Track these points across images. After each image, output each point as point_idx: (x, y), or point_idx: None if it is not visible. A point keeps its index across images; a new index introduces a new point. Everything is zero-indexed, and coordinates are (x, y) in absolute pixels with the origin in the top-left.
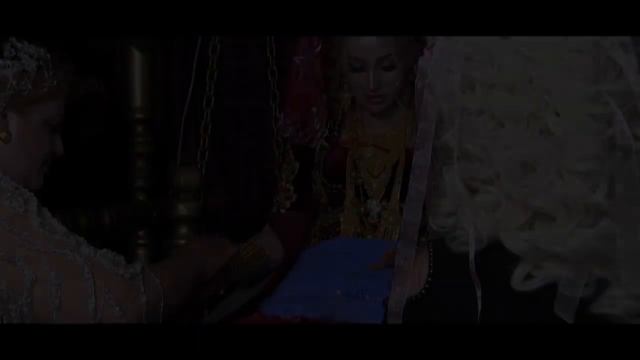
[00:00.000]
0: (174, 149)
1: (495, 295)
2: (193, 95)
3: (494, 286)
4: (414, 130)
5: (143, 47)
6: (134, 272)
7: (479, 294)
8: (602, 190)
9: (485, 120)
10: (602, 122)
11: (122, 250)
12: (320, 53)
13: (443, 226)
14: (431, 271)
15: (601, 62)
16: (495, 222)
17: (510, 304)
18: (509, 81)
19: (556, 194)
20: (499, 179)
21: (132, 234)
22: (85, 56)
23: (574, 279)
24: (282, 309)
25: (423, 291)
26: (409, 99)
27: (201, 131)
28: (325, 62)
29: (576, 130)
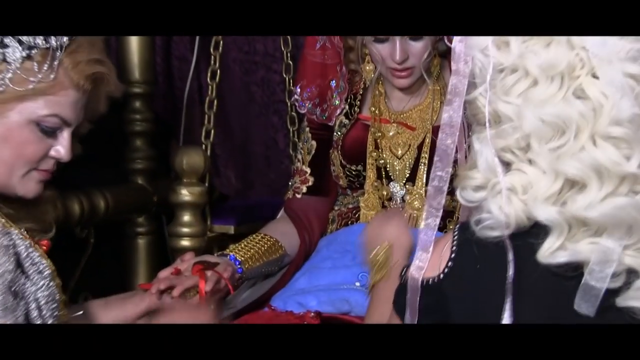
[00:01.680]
0: (176, 127)
1: (522, 280)
2: (197, 67)
3: (520, 271)
4: (443, 107)
5: None
6: None
7: (510, 274)
8: (636, 158)
9: (519, 78)
10: None
11: (121, 240)
12: None
13: (471, 200)
14: (452, 255)
15: None
16: (524, 205)
17: (536, 289)
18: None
19: (588, 159)
20: (530, 145)
21: (130, 221)
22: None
23: (602, 261)
24: (295, 304)
25: (441, 275)
26: (437, 73)
27: (206, 107)
28: None
29: (612, 91)
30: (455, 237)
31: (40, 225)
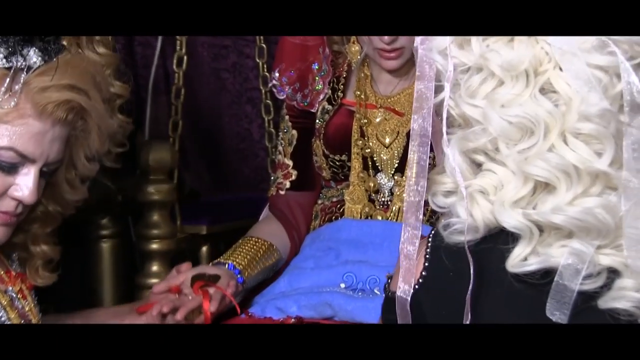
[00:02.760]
0: (140, 120)
1: (491, 287)
2: (162, 54)
3: (489, 279)
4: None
5: None
6: None
7: (471, 286)
8: (607, 155)
9: (484, 78)
10: (610, 75)
11: (82, 244)
12: None
13: (442, 206)
14: (426, 264)
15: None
16: (492, 208)
17: (507, 296)
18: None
19: (555, 159)
20: (497, 146)
21: (92, 223)
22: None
23: (573, 265)
24: (274, 309)
25: (416, 286)
26: None
27: (172, 97)
28: None
29: (579, 85)
30: (429, 245)
31: (60, 206)
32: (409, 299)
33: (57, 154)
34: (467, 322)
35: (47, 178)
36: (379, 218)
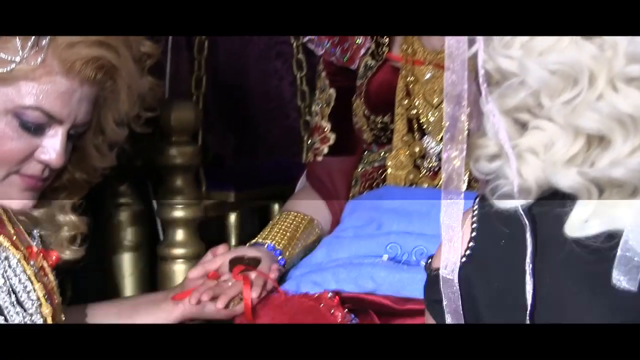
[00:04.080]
0: (160, 76)
1: (550, 254)
2: None
3: (547, 245)
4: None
5: None
6: None
7: (529, 254)
8: None
9: None
10: None
11: (98, 214)
12: None
13: (486, 172)
14: (473, 235)
15: None
16: (544, 168)
17: (567, 263)
18: None
19: (607, 109)
20: (540, 101)
21: (109, 190)
22: None
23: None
24: (309, 283)
25: (464, 258)
26: None
27: (195, 51)
28: None
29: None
30: (475, 214)
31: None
32: (456, 275)
33: (85, 116)
34: (529, 293)
35: (74, 142)
36: (425, 185)
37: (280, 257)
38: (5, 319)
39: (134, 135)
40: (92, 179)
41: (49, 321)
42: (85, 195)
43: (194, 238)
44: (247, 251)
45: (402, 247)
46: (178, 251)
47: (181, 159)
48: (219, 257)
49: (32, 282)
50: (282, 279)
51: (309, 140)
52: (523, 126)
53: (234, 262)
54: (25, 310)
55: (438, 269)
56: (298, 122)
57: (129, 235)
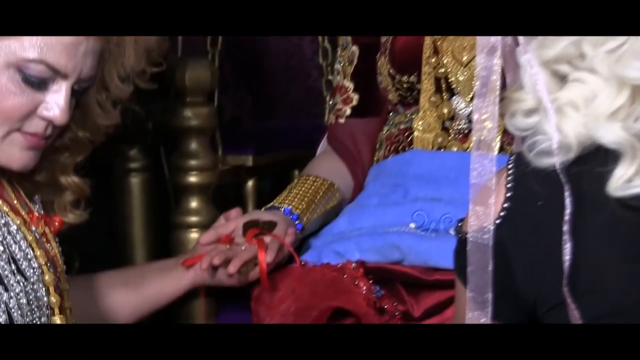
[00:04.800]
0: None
1: (591, 215)
2: None
3: (588, 205)
4: None
5: None
6: None
7: (569, 214)
8: None
9: None
10: None
11: (107, 180)
12: None
13: (522, 128)
14: (508, 195)
15: None
16: (586, 123)
17: (610, 224)
18: None
19: None
20: (582, 51)
21: (119, 155)
22: None
23: None
24: (331, 253)
25: (498, 221)
26: None
27: None
28: None
29: None
30: (510, 172)
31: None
32: (489, 238)
33: (91, 70)
34: (567, 257)
35: (78, 98)
36: (454, 149)
37: (297, 221)
38: (5, 288)
39: (145, 96)
40: (96, 138)
41: (52, 290)
42: (88, 155)
43: (208, 205)
44: (262, 215)
45: (429, 214)
46: (192, 219)
47: (196, 121)
48: (232, 221)
49: (33, 250)
50: (301, 248)
51: (331, 101)
52: (562, 79)
53: (247, 226)
54: (26, 279)
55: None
56: (319, 81)
57: (139, 202)
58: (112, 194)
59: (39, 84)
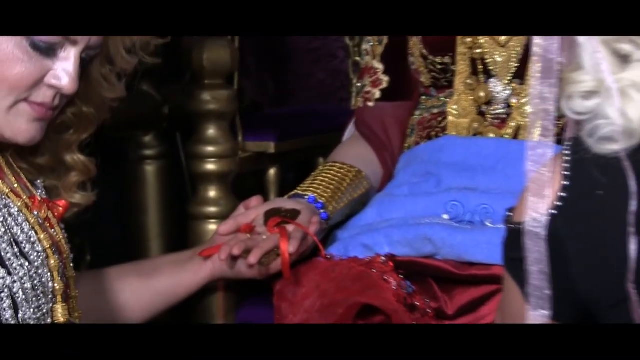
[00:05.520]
0: None
1: None
2: None
3: None
4: None
5: None
6: None
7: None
8: None
9: None
10: None
11: (120, 168)
12: None
13: (581, 111)
14: (565, 183)
15: None
16: None
17: None
18: None
19: None
20: None
21: (133, 141)
22: None
23: None
24: (359, 247)
25: (552, 211)
26: None
27: None
28: None
29: None
30: (567, 159)
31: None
32: (543, 229)
33: (99, 37)
34: (632, 251)
35: (85, 66)
36: (491, 135)
37: (322, 210)
38: (8, 272)
39: (161, 79)
40: (100, 113)
41: (56, 276)
42: (93, 133)
43: (228, 195)
44: (285, 203)
45: (464, 205)
46: (210, 210)
47: (214, 104)
48: (252, 210)
49: (36, 233)
50: (327, 241)
51: (359, 83)
52: (624, 59)
53: (269, 215)
54: (30, 263)
55: (521, 223)
56: (346, 62)
57: (154, 192)
58: (126, 183)
59: (48, 50)
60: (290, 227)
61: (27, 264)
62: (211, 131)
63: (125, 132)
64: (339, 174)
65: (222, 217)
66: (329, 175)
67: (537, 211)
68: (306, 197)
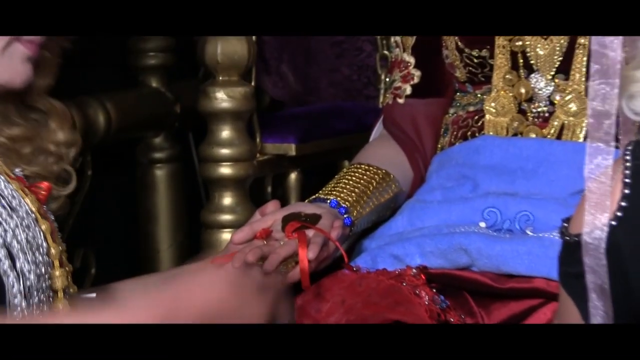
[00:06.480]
0: None
1: None
2: None
3: None
4: None
5: None
6: None
7: None
8: None
9: None
10: None
11: (129, 171)
12: None
13: None
14: (626, 191)
15: None
16: None
17: None
18: None
19: None
20: None
21: (143, 143)
22: None
23: None
24: (388, 258)
25: (613, 223)
26: None
27: None
28: None
29: None
30: (628, 165)
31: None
32: (604, 242)
33: None
34: None
35: None
36: (533, 135)
37: (345, 215)
38: None
39: (172, 75)
40: (55, 56)
41: (49, 239)
42: (56, 78)
43: (244, 201)
44: (305, 207)
45: (502, 212)
46: (225, 217)
47: (230, 103)
48: (269, 216)
49: (23, 198)
50: (353, 251)
51: (388, 78)
52: None
53: (287, 220)
54: (18, 216)
55: (578, 235)
56: (373, 56)
57: (165, 198)
58: (134, 189)
59: None
60: (310, 233)
61: (16, 216)
62: (226, 132)
63: (133, 133)
64: (365, 176)
65: (238, 226)
66: (353, 178)
67: (597, 222)
68: (328, 201)
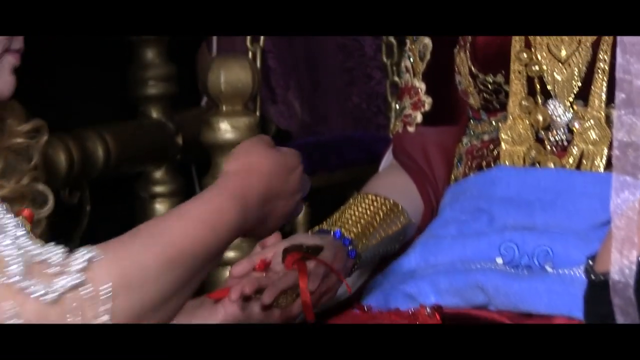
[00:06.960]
0: None
1: None
2: None
3: None
4: None
5: None
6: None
7: None
8: None
9: None
10: None
11: (129, 206)
12: None
13: None
14: None
15: None
16: None
17: None
18: None
19: None
20: None
21: (143, 177)
22: None
23: None
24: (401, 297)
25: None
26: None
27: None
28: None
29: None
30: None
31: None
32: (632, 280)
33: None
34: None
35: None
36: (551, 165)
37: (350, 246)
38: None
39: (173, 105)
40: None
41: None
42: None
43: (248, 238)
44: (306, 239)
45: (520, 247)
46: (229, 254)
47: (234, 134)
48: (269, 248)
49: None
50: (364, 290)
51: (398, 106)
52: None
53: (288, 251)
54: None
55: (605, 274)
56: (383, 83)
57: None
58: (134, 224)
59: None
60: (311, 264)
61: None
62: None
63: (133, 166)
64: (372, 207)
65: None
66: (360, 208)
67: (625, 260)
68: (332, 231)
